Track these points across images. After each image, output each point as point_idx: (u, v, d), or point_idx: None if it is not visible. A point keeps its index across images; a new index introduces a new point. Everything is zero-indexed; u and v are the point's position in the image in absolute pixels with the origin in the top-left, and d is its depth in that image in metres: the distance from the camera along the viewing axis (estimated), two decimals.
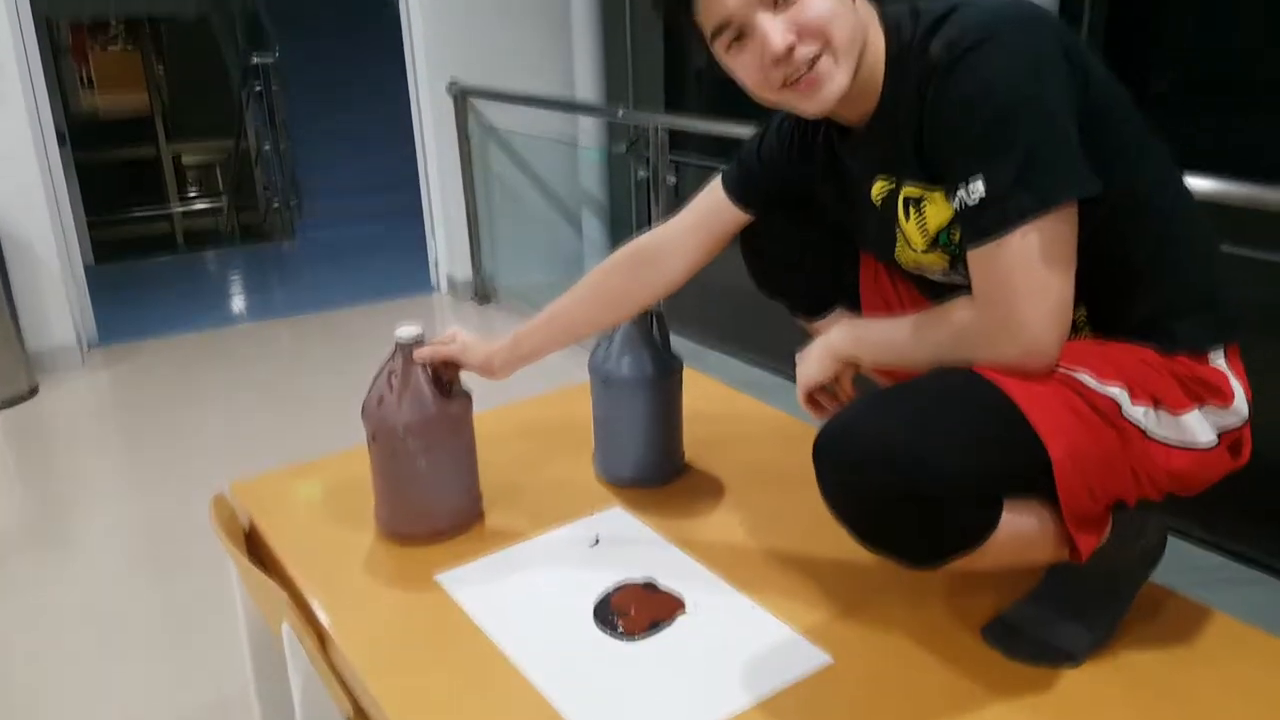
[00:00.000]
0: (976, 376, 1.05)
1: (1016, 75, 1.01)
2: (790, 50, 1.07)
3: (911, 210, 1.16)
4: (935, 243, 1.16)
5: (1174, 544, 1.23)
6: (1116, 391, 1.06)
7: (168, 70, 10.54)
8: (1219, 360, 1.11)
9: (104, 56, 13.01)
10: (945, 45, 1.04)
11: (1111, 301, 1.13)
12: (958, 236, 1.12)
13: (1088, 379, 1.06)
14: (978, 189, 1.02)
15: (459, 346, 1.45)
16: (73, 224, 3.92)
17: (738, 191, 1.40)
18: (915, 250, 1.19)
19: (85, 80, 12.78)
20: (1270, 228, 1.91)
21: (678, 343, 1.56)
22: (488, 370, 1.47)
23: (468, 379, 1.44)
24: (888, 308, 1.40)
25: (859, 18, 1.10)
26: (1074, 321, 1.14)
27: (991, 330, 1.06)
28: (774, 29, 1.06)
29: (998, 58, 1.01)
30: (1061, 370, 1.06)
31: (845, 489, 1.05)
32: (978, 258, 1.05)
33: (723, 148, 3.77)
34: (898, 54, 1.12)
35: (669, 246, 1.44)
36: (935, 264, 1.19)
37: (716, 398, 1.88)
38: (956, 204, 1.05)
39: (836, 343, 1.22)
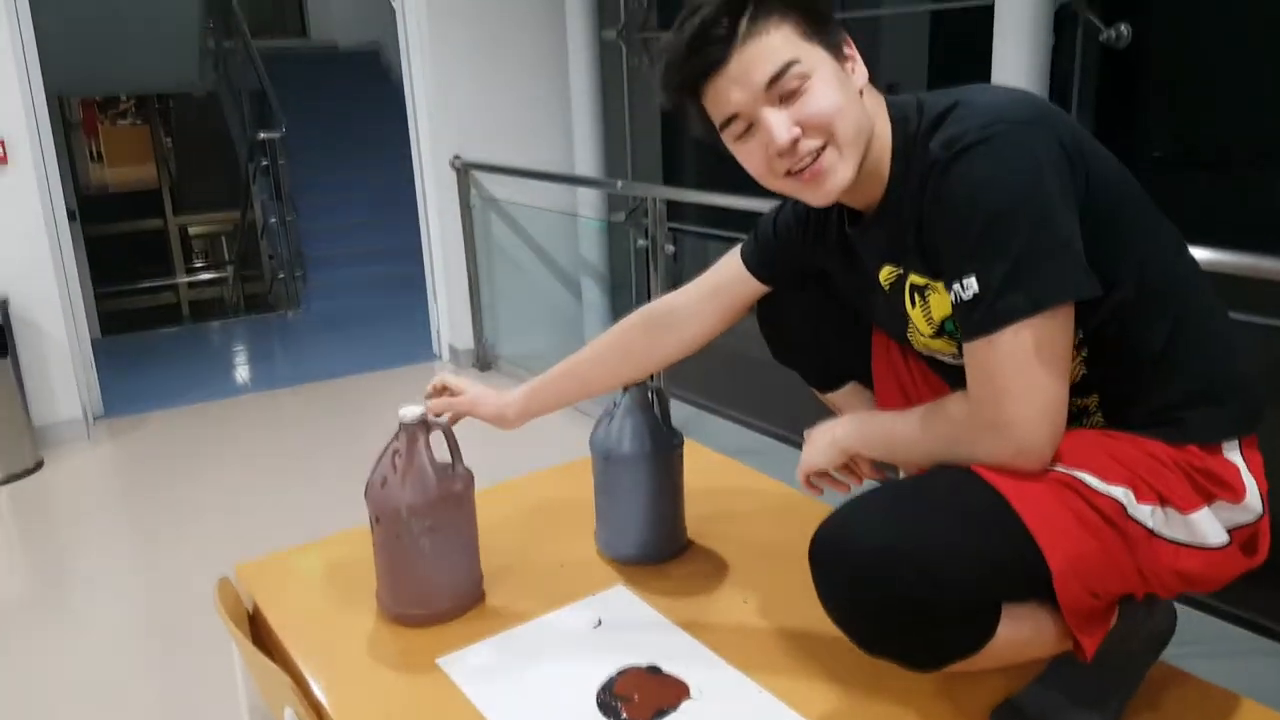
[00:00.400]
0: (975, 479, 1.05)
1: (1012, 176, 1.01)
2: (795, 143, 1.09)
3: (917, 298, 1.17)
4: (941, 330, 1.17)
5: (1182, 611, 1.23)
6: (1120, 492, 1.05)
7: (176, 144, 10.74)
8: (1233, 452, 1.10)
9: (114, 131, 13.28)
10: (944, 143, 1.05)
11: (1124, 391, 1.13)
12: None
13: (1090, 480, 1.05)
14: (971, 285, 1.03)
15: (469, 401, 1.48)
16: (80, 298, 3.96)
17: (755, 263, 1.43)
18: (924, 336, 1.20)
19: (95, 154, 13.02)
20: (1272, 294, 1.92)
21: (677, 406, 1.57)
22: (501, 421, 1.50)
23: (469, 455, 1.44)
24: (899, 383, 1.41)
25: (865, 110, 1.12)
26: (1085, 408, 1.15)
27: (982, 429, 1.06)
28: (779, 123, 1.09)
29: (994, 158, 1.02)
30: (1062, 471, 1.06)
31: (843, 599, 1.07)
32: (970, 354, 1.06)
33: (719, 218, 3.84)
34: (903, 146, 1.13)
35: (687, 311, 1.46)
36: (944, 349, 1.20)
37: (718, 470, 1.89)
38: (952, 298, 1.06)
39: (841, 435, 1.23)
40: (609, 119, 4.38)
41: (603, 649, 1.31)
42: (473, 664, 1.30)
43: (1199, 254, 1.28)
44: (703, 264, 4.58)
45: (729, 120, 1.13)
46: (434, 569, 1.39)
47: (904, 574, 0.99)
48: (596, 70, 4.27)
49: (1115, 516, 1.04)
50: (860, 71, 1.13)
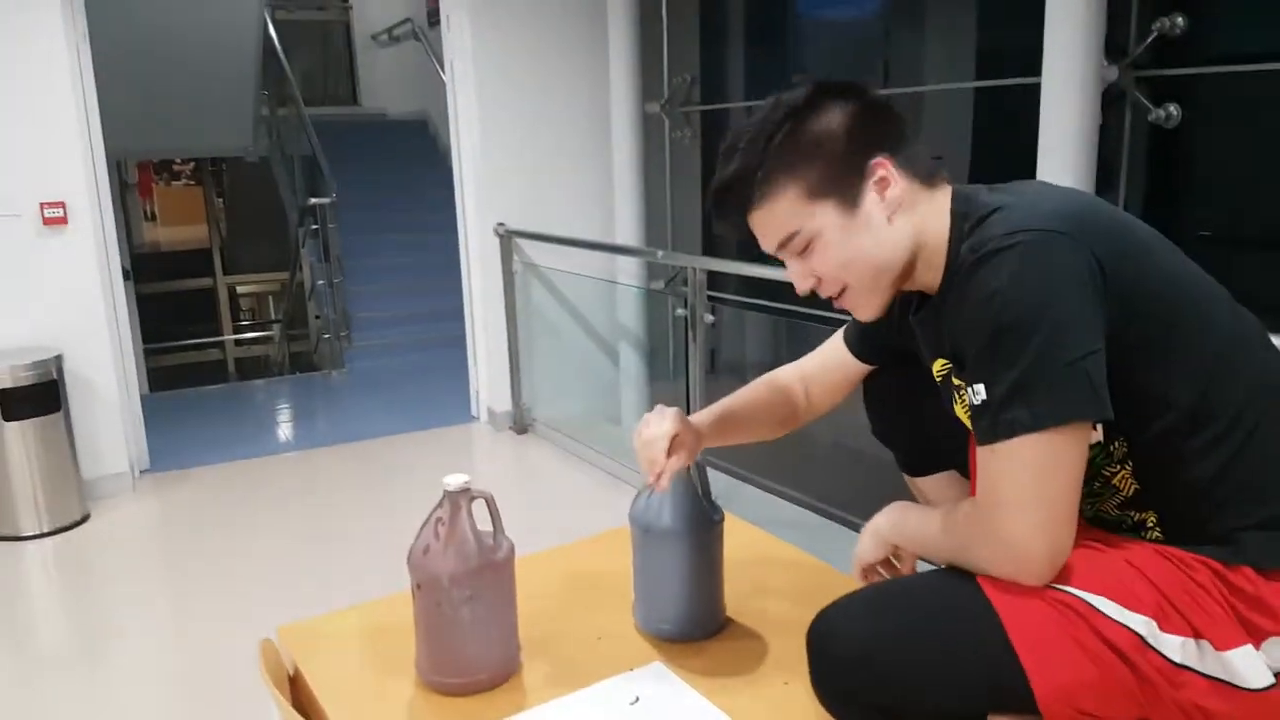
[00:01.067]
0: (970, 588, 1.04)
1: (1023, 290, 0.99)
2: (814, 289, 1.18)
3: (957, 395, 1.17)
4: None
5: None
6: (1140, 622, 1.01)
7: (227, 206, 11.02)
8: None
9: (168, 192, 13.68)
10: (972, 246, 1.05)
11: (1182, 510, 1.09)
12: None
13: (1107, 607, 1.01)
14: (980, 393, 1.03)
15: (686, 453, 1.40)
16: (132, 355, 4.06)
17: (854, 343, 1.47)
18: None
19: (148, 214, 13.39)
20: None
21: (713, 475, 1.58)
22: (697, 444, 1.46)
23: (507, 519, 1.44)
24: None
25: (892, 241, 1.13)
26: (1143, 522, 1.12)
27: (982, 538, 1.05)
28: (797, 275, 1.19)
29: (1007, 270, 1.00)
30: (1074, 594, 1.02)
31: (824, 690, 1.09)
32: (980, 460, 1.06)
33: (758, 288, 3.87)
34: (955, 241, 1.12)
35: (812, 381, 1.52)
36: None
37: (757, 545, 1.87)
38: (967, 400, 1.06)
39: (883, 527, 1.24)
40: (650, 189, 4.45)
41: None
42: None
43: None
44: (741, 334, 4.61)
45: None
46: (473, 638, 1.39)
47: (885, 677, 1.01)
48: (639, 142, 4.36)
49: (1129, 649, 1.00)
50: (892, 196, 1.13)
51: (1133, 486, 1.12)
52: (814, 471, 3.24)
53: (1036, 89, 2.60)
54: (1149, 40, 2.56)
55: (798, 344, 4.02)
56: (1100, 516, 1.17)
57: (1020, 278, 1.00)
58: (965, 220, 1.12)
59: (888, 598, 1.10)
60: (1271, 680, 1.01)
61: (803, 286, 1.18)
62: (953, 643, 1.03)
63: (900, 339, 1.35)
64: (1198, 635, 1.02)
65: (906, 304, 1.30)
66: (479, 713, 1.34)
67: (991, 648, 1.00)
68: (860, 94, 1.15)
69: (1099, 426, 1.09)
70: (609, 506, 3.46)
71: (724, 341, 4.22)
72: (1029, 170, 2.56)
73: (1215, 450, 1.05)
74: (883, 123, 1.15)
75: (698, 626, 1.53)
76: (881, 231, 1.13)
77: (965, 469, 1.43)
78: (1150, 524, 1.12)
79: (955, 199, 1.15)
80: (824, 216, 1.13)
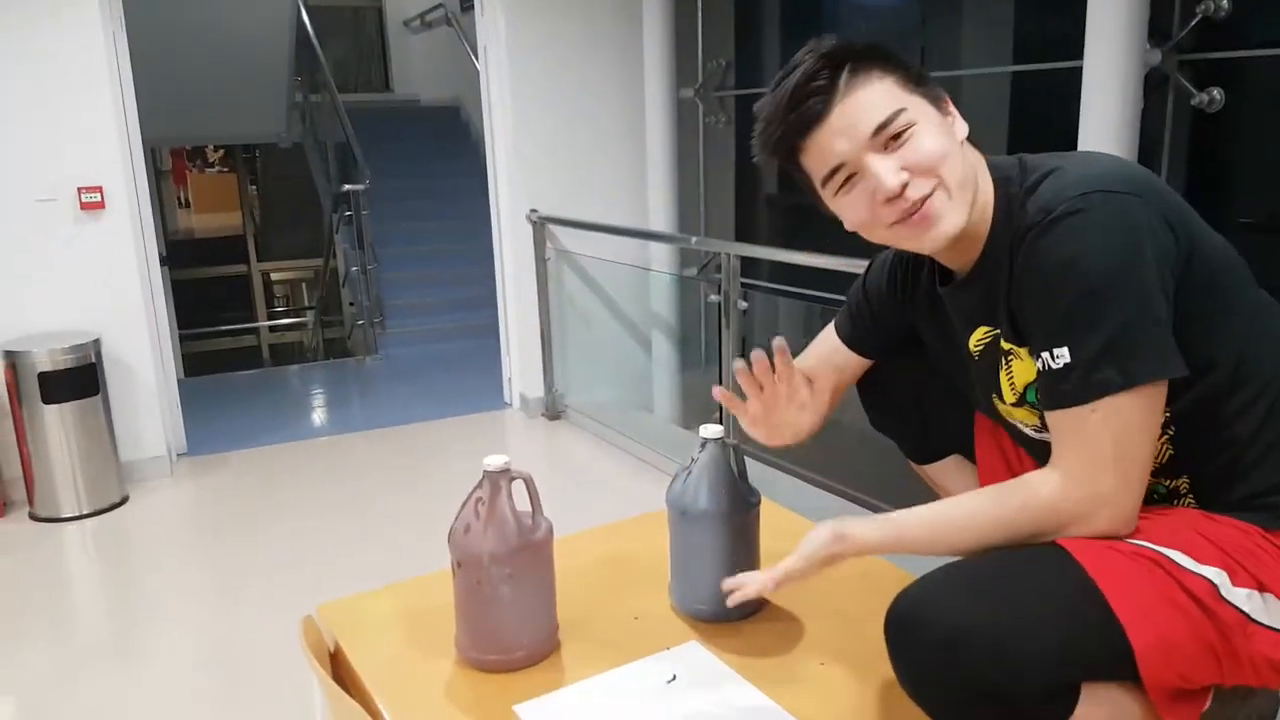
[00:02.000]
0: (1056, 554, 1.04)
1: (1106, 251, 1.00)
2: (903, 188, 1.08)
3: (1004, 362, 1.17)
4: (1023, 399, 1.16)
5: None
6: (1214, 573, 1.02)
7: (261, 193, 11.12)
8: None
9: (201, 179, 13.82)
10: (1039, 209, 1.05)
11: (1216, 474, 1.10)
12: None
13: (1182, 559, 1.03)
14: (1063, 355, 1.02)
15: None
16: (169, 341, 4.11)
17: (848, 336, 1.44)
18: (1005, 403, 1.19)
19: (183, 201, 13.55)
20: None
21: (750, 464, 1.58)
22: None
23: (547, 505, 1.46)
24: (1005, 460, 1.39)
25: (969, 162, 1.12)
26: (1176, 489, 1.13)
27: (1079, 500, 1.04)
28: (887, 168, 1.08)
29: (1088, 231, 1.01)
30: (1153, 549, 1.03)
31: (917, 677, 1.05)
32: (1060, 422, 1.05)
33: (791, 275, 3.85)
34: (1005, 205, 1.12)
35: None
36: (1025, 419, 1.19)
37: (794, 530, 1.86)
38: (1040, 365, 1.05)
39: (857, 539, 1.17)
40: (683, 175, 4.44)
41: (678, 704, 1.31)
42: (549, 712, 1.30)
43: None
44: (774, 320, 4.59)
45: (831, 174, 1.12)
46: (512, 616, 1.40)
47: (979, 655, 0.98)
48: (673, 128, 4.35)
49: (1207, 598, 1.01)
50: (961, 126, 1.14)
51: (1168, 453, 1.12)
52: (847, 460, 3.23)
53: (1077, 73, 2.57)
54: (1193, 24, 2.52)
55: None
56: None
57: (1099, 241, 1.00)
58: (1010, 185, 1.12)
59: (973, 573, 1.07)
60: None
61: (895, 180, 1.08)
62: (1048, 608, 1.01)
63: (901, 317, 1.35)
64: (1263, 589, 1.04)
65: (914, 283, 1.31)
66: (517, 689, 1.36)
67: (1087, 608, 1.00)
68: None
69: None
70: (641, 492, 3.47)
71: (757, 328, 4.21)
72: None
73: (1250, 410, 1.07)
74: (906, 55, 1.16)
75: (734, 608, 1.53)
76: (959, 147, 1.12)
77: (968, 452, 1.44)
78: (1183, 490, 1.13)
79: (993, 169, 1.16)
80: (922, 106, 1.11)
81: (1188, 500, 1.13)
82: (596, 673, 1.39)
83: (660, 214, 4.44)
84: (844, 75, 1.09)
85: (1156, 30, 2.52)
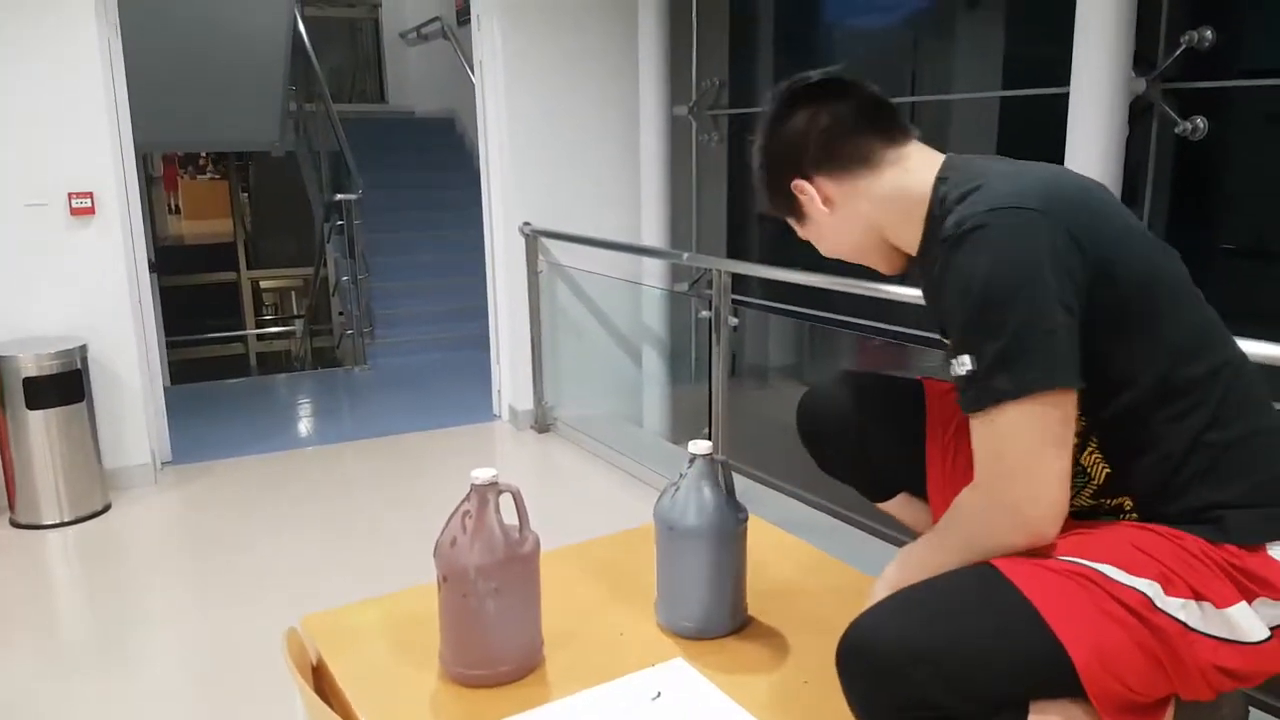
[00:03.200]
0: (993, 579, 1.07)
1: (1001, 265, 1.06)
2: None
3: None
4: None
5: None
6: (1146, 585, 1.04)
7: (252, 200, 11.10)
8: (1278, 551, 1.08)
9: (193, 186, 13.78)
10: (955, 223, 1.11)
11: (1156, 490, 1.12)
12: None
13: (1114, 573, 1.05)
14: (965, 363, 1.08)
15: None
16: (156, 348, 4.10)
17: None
18: None
19: (173, 207, 13.51)
20: None
21: (739, 483, 1.59)
22: None
23: (533, 518, 1.46)
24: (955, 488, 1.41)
25: (846, 223, 1.30)
26: (1120, 507, 1.15)
27: (991, 511, 1.10)
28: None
29: (988, 247, 1.07)
30: (1083, 564, 1.06)
31: (867, 705, 1.07)
32: (974, 433, 1.10)
33: (782, 291, 3.87)
34: (934, 208, 1.20)
35: None
36: None
37: (780, 546, 1.88)
38: (951, 373, 1.11)
39: (894, 577, 1.24)
40: (676, 192, 4.46)
41: None
42: None
43: (1269, 350, 1.26)
44: (764, 337, 4.59)
45: None
46: (497, 630, 1.41)
47: (927, 681, 1.01)
48: (666, 144, 4.38)
49: (1141, 609, 1.04)
50: (824, 201, 1.31)
51: (1104, 471, 1.15)
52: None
53: (1064, 99, 2.60)
54: (1177, 53, 2.55)
55: (821, 348, 4.02)
56: (1075, 507, 1.19)
57: (999, 254, 1.06)
58: (945, 185, 1.20)
59: (913, 603, 1.10)
60: (1268, 633, 1.06)
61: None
62: (989, 631, 1.04)
63: None
64: (1199, 597, 1.06)
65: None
66: (502, 705, 1.36)
67: (1027, 628, 1.02)
68: (776, 119, 1.33)
69: None
70: (630, 506, 3.47)
71: (747, 345, 4.22)
72: None
73: (1182, 422, 1.10)
74: (789, 149, 1.31)
75: (719, 624, 1.54)
76: (834, 227, 1.32)
77: (915, 487, 1.49)
78: (1127, 508, 1.16)
79: (944, 167, 1.23)
80: (795, 224, 1.38)
81: (1132, 516, 1.16)
82: (581, 689, 1.39)
83: (652, 229, 4.46)
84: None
85: (1142, 59, 2.55)
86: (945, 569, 1.14)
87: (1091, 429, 1.13)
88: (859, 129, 1.27)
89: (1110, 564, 1.06)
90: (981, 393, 1.07)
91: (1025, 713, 1.04)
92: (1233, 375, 1.12)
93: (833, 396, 1.55)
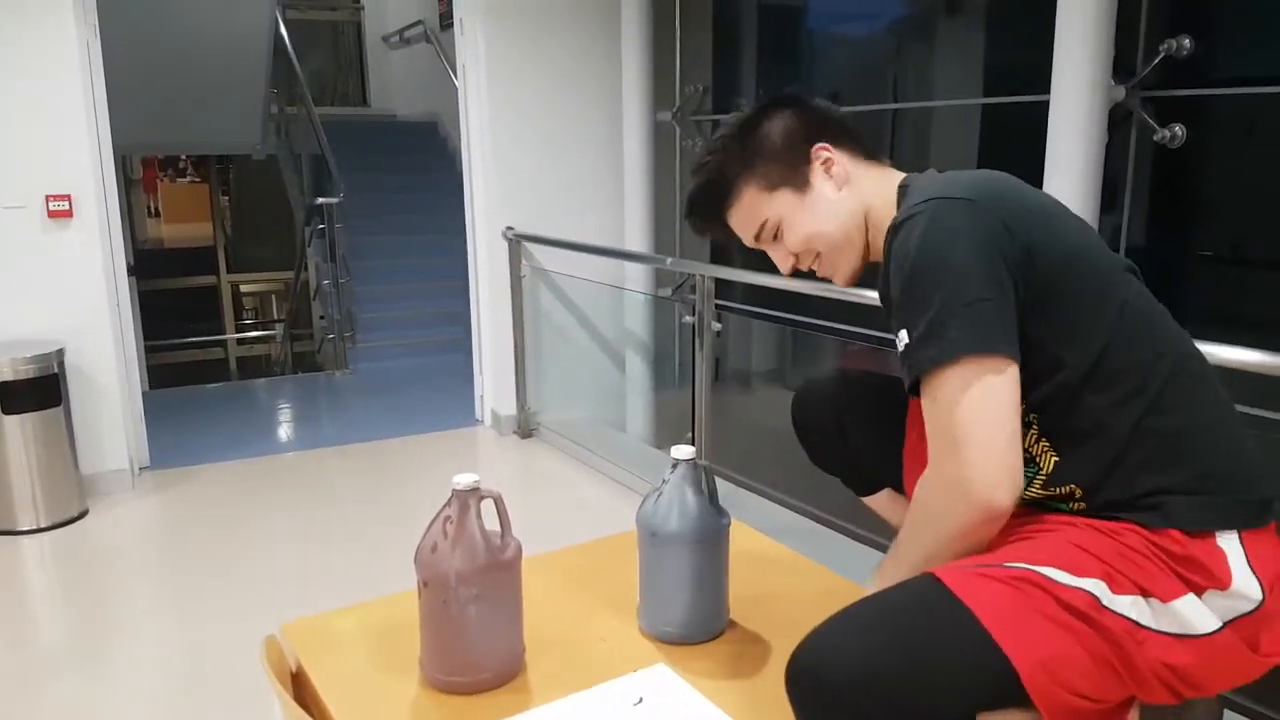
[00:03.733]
0: (937, 592, 1.06)
1: (928, 246, 1.12)
2: (795, 265, 1.37)
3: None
4: None
5: None
6: (1092, 585, 1.05)
7: (233, 204, 11.04)
8: (1227, 540, 1.08)
9: (172, 189, 13.69)
10: (895, 219, 1.20)
11: (1100, 477, 1.13)
12: None
13: (1058, 575, 1.05)
14: (902, 338, 1.13)
15: None
16: (134, 352, 4.06)
17: None
18: None
19: (153, 210, 13.42)
20: None
21: (722, 488, 1.59)
22: None
23: (515, 525, 1.45)
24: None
25: (847, 208, 1.33)
26: (1070, 494, 1.16)
27: (941, 490, 1.12)
28: (779, 259, 1.39)
29: (917, 230, 1.14)
30: (1028, 569, 1.06)
31: None
32: (924, 414, 1.13)
33: (765, 297, 3.88)
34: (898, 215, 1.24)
35: None
36: None
37: (761, 551, 1.88)
38: (895, 350, 1.16)
39: (889, 572, 1.23)
40: (660, 197, 4.47)
41: None
42: None
43: (1244, 355, 1.27)
44: (747, 342, 4.60)
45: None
46: (478, 637, 1.40)
47: (874, 701, 1.01)
48: (650, 150, 4.38)
49: (1089, 610, 1.04)
50: (837, 173, 1.33)
51: (1052, 460, 1.16)
52: (816, 480, 3.24)
53: (1044, 107, 2.62)
54: (1156, 61, 2.58)
55: (804, 353, 4.03)
56: (1026, 499, 1.20)
57: (927, 234, 1.13)
58: (904, 195, 1.28)
59: (858, 623, 1.09)
60: (1219, 624, 1.06)
61: (785, 267, 1.38)
62: (935, 647, 1.04)
63: None
64: (1145, 593, 1.06)
65: None
66: (483, 712, 1.35)
67: (970, 639, 1.02)
68: (799, 102, 1.37)
69: None
70: (613, 512, 3.47)
71: (730, 350, 4.23)
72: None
73: (1123, 409, 1.11)
74: (821, 120, 1.36)
75: (701, 629, 1.53)
76: (833, 204, 1.33)
77: (900, 486, 1.51)
78: (1077, 495, 1.16)
79: (906, 178, 1.31)
80: (783, 202, 1.35)
81: (1079, 505, 1.16)
82: (563, 695, 1.39)
83: (636, 234, 4.46)
84: (723, 196, 1.38)
85: (1121, 67, 2.57)
86: (917, 564, 1.15)
87: (1029, 410, 1.15)
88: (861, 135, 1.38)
89: (1053, 566, 1.06)
90: (914, 363, 1.11)
91: None
92: (1175, 366, 1.14)
93: (824, 391, 1.60)
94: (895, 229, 1.17)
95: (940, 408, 1.09)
